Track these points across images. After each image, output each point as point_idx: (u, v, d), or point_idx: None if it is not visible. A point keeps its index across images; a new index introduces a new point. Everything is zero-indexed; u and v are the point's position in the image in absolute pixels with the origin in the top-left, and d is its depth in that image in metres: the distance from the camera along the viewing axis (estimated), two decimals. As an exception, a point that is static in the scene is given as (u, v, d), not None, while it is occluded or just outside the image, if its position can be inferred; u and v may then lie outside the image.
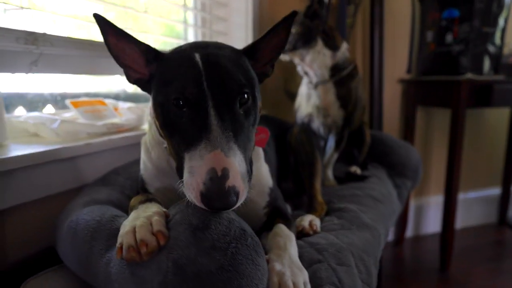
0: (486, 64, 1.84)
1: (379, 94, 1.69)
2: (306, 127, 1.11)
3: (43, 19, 0.93)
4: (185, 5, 1.59)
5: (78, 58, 0.99)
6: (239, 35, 1.73)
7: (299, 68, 1.29)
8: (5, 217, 0.80)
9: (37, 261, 0.80)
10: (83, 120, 1.00)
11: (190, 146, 0.53)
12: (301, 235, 0.83)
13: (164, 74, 0.60)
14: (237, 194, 0.49)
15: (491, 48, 1.84)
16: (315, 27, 1.20)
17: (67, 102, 1.03)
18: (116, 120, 1.08)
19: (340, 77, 1.25)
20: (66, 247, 0.70)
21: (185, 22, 1.63)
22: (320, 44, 1.21)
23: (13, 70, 0.86)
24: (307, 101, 1.31)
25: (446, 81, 1.85)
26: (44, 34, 0.88)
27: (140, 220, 0.53)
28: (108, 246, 0.61)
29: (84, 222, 0.68)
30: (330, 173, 1.28)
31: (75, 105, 1.03)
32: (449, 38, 1.85)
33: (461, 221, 2.33)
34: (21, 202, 0.81)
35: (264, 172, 0.77)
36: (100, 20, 0.59)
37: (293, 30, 1.17)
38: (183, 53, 0.60)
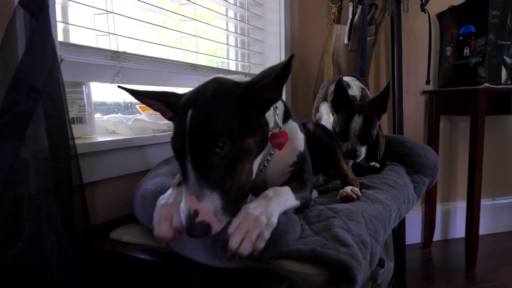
0: (504, 74, 1.98)
1: (399, 104, 1.87)
2: (317, 124, 1.31)
3: (124, 41, 1.21)
4: (227, 30, 1.87)
5: (148, 72, 1.26)
6: (273, 54, 1.99)
7: None
8: (95, 187, 1.06)
9: (119, 223, 1.05)
10: (149, 120, 1.27)
11: (183, 181, 0.71)
12: (346, 200, 1.04)
13: (174, 122, 0.76)
14: (207, 226, 0.66)
15: (508, 60, 1.98)
16: None
17: (137, 106, 1.31)
18: (173, 121, 1.34)
19: None
20: (140, 209, 0.94)
21: (227, 44, 1.91)
22: None
23: (103, 80, 1.14)
24: (329, 119, 1.49)
25: (465, 90, 2.00)
26: (124, 52, 1.16)
27: (163, 211, 0.74)
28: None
29: (150, 190, 0.92)
30: (349, 168, 1.47)
31: (143, 109, 1.30)
32: (466, 51, 2.01)
33: (489, 227, 2.41)
34: (106, 178, 1.08)
35: (297, 138, 0.96)
36: (125, 89, 0.82)
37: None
38: (184, 108, 0.72)
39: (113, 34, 1.16)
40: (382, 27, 2.01)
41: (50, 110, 0.88)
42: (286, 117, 0.97)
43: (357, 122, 1.28)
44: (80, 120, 1.10)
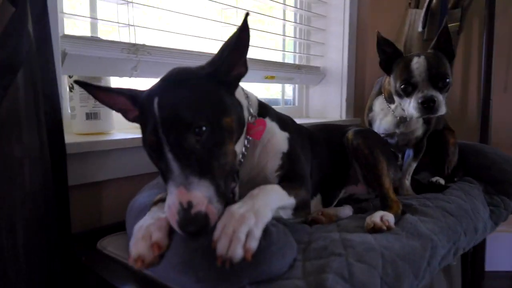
0: None
1: (485, 104, 1.52)
2: (360, 131, 1.09)
3: (145, 33, 1.14)
4: (284, 19, 1.71)
5: (170, 66, 1.17)
6: (336, 43, 1.77)
7: (397, 104, 1.16)
8: (102, 187, 1.02)
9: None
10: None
11: (165, 181, 0.65)
12: (373, 231, 0.84)
13: (140, 119, 0.70)
14: (205, 216, 0.59)
15: None
16: None
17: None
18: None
19: None
20: (127, 219, 0.87)
21: (284, 34, 1.75)
22: None
23: (120, 75, 1.10)
24: (384, 119, 1.25)
25: None
26: (143, 45, 1.09)
27: (139, 233, 0.64)
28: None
29: (138, 203, 0.84)
30: (407, 182, 1.22)
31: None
32: None
33: None
34: (115, 177, 1.03)
35: (277, 139, 0.85)
36: (84, 84, 0.75)
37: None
38: (148, 99, 0.66)
39: (132, 25, 1.09)
40: (472, 10, 1.65)
41: (45, 107, 0.85)
42: (262, 114, 0.84)
43: (419, 62, 1.04)
44: (95, 115, 1.06)
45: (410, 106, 1.06)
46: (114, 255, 0.82)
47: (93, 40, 1.00)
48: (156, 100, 0.65)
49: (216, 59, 0.70)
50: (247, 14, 0.66)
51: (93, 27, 1.15)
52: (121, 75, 1.09)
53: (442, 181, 1.24)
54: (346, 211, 1.07)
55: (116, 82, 1.14)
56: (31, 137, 0.82)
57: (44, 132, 0.84)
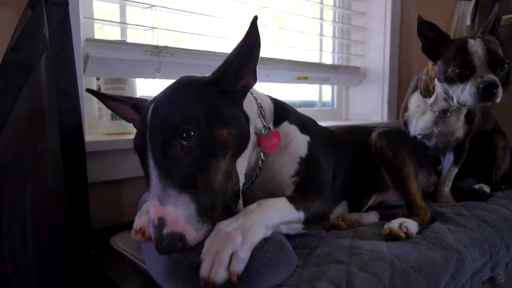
0: None
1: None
2: (384, 132, 1.00)
3: (169, 35, 1.17)
4: (321, 19, 1.67)
5: (195, 67, 1.18)
6: (377, 42, 1.68)
7: (440, 91, 1.05)
8: (123, 185, 1.05)
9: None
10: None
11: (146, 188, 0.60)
12: (389, 238, 0.78)
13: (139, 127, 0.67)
14: (180, 237, 0.53)
15: None
16: None
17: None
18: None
19: None
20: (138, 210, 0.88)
21: (321, 34, 1.70)
22: None
23: (144, 76, 1.12)
24: (420, 118, 1.16)
25: None
26: (166, 47, 1.11)
27: (138, 221, 0.65)
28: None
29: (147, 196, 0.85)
30: (447, 189, 1.11)
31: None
32: None
33: None
34: (135, 176, 1.05)
35: (297, 143, 0.79)
36: (95, 92, 0.80)
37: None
38: (147, 107, 0.64)
39: (156, 28, 1.12)
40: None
41: (64, 108, 0.89)
42: (279, 119, 0.80)
43: (476, 45, 0.94)
44: (118, 116, 1.10)
45: (465, 92, 0.95)
46: (122, 250, 0.83)
47: (115, 43, 1.04)
48: (151, 106, 0.62)
49: (220, 67, 0.66)
50: (255, 17, 0.61)
51: (123, 31, 1.20)
52: (145, 77, 1.12)
53: (487, 189, 1.11)
54: (371, 217, 0.99)
55: (141, 83, 1.17)
56: (53, 135, 0.87)
57: (57, 131, 0.87)
